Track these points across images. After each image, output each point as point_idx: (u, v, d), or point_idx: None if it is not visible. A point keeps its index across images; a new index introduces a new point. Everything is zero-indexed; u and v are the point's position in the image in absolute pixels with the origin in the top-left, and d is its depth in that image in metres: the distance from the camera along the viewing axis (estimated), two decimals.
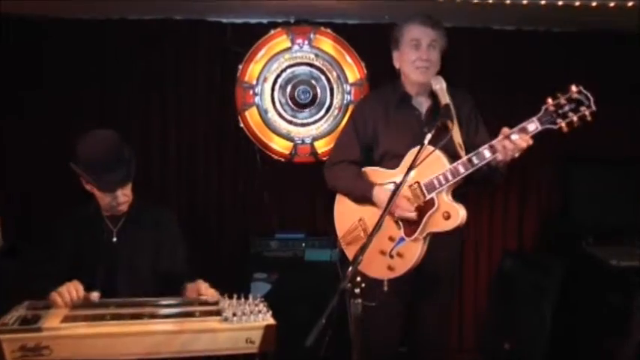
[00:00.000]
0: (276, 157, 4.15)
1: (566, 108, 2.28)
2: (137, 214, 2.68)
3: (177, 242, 2.74)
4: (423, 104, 2.76)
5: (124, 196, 2.59)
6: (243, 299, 2.24)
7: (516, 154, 2.42)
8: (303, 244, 3.95)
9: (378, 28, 4.14)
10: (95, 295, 2.35)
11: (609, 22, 4.03)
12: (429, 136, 2.34)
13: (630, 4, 3.59)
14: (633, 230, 3.93)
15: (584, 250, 3.87)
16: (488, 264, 4.38)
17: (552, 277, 3.69)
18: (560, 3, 3.59)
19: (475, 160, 2.45)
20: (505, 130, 2.41)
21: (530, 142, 2.39)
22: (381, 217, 2.19)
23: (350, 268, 2.00)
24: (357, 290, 1.99)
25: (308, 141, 4.15)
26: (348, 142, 2.85)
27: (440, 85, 2.62)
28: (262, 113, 4.11)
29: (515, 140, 2.37)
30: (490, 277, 4.34)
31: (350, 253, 2.76)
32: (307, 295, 3.36)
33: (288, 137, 4.14)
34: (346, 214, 2.79)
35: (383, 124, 2.77)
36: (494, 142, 2.43)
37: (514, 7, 3.65)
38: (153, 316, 2.18)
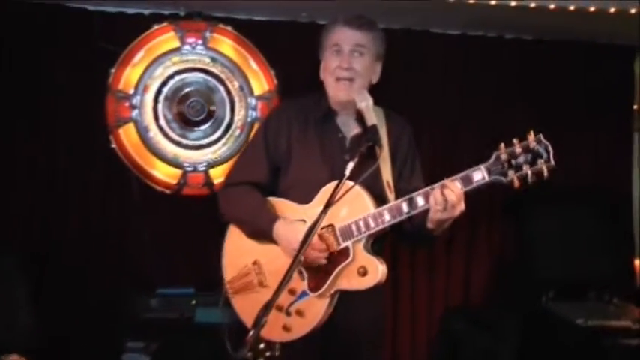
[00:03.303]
0: (159, 189, 4.08)
1: (521, 159, 2.31)
2: None
3: (21, 299, 2.63)
4: (350, 126, 2.75)
5: None
6: None
7: (457, 212, 2.43)
8: (194, 302, 3.90)
9: (292, 28, 4.18)
10: None
11: (570, 31, 4.26)
12: (350, 166, 2.33)
13: (592, 9, 3.81)
14: (602, 281, 4.06)
15: (544, 307, 3.99)
16: (427, 323, 4.43)
17: (506, 339, 3.77)
18: (513, 4, 3.77)
19: (405, 208, 2.47)
20: (447, 180, 2.43)
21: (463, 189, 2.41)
22: (292, 266, 2.16)
23: (251, 333, 1.97)
24: None
25: (201, 168, 4.11)
26: (254, 159, 2.82)
27: (366, 103, 2.62)
28: (142, 132, 4.04)
29: (455, 190, 2.38)
30: (430, 340, 4.39)
31: (237, 303, 2.72)
32: None
33: (175, 163, 4.09)
34: (238, 254, 2.75)
35: (298, 143, 2.75)
36: (430, 188, 2.44)
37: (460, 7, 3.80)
38: None
